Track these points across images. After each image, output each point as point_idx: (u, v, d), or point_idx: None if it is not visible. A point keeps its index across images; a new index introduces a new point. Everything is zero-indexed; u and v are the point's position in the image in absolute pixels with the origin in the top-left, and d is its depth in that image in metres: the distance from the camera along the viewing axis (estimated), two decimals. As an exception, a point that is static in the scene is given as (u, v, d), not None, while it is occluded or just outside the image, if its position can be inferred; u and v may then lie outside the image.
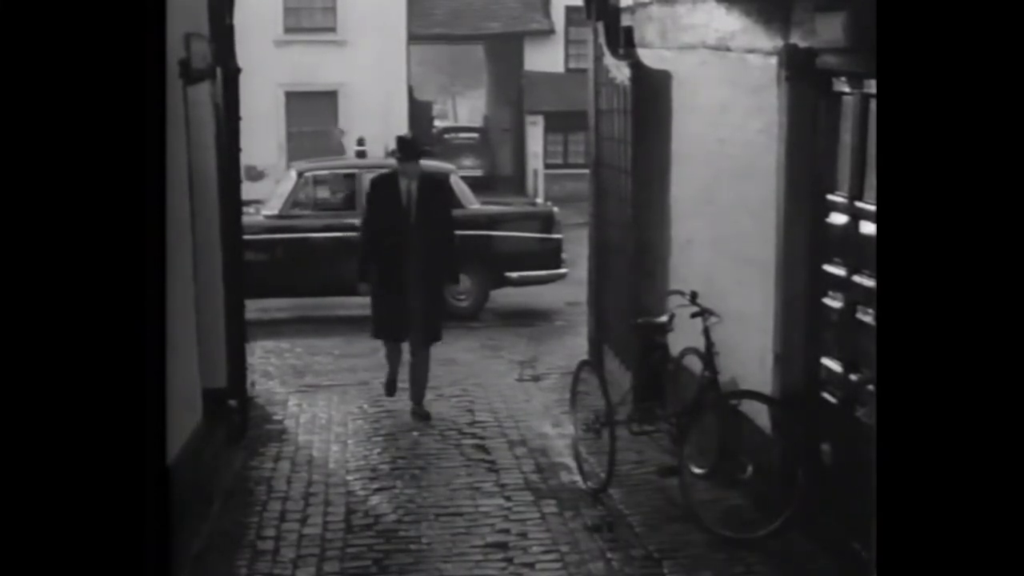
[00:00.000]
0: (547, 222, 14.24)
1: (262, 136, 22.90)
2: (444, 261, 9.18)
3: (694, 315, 7.33)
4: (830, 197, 6.41)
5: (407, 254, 8.96)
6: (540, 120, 29.41)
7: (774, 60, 6.70)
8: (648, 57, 9.12)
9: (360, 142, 16.18)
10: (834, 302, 6.36)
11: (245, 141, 8.90)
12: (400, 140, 9.47)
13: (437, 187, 9.46)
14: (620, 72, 9.20)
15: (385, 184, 9.24)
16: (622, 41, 9.53)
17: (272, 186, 16.25)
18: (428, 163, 11.23)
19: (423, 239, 8.97)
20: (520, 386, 10.37)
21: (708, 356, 7.26)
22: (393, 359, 9.45)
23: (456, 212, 10.33)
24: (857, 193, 6.09)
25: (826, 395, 6.47)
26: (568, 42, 29.75)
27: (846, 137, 6.24)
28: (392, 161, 18.69)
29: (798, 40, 6.46)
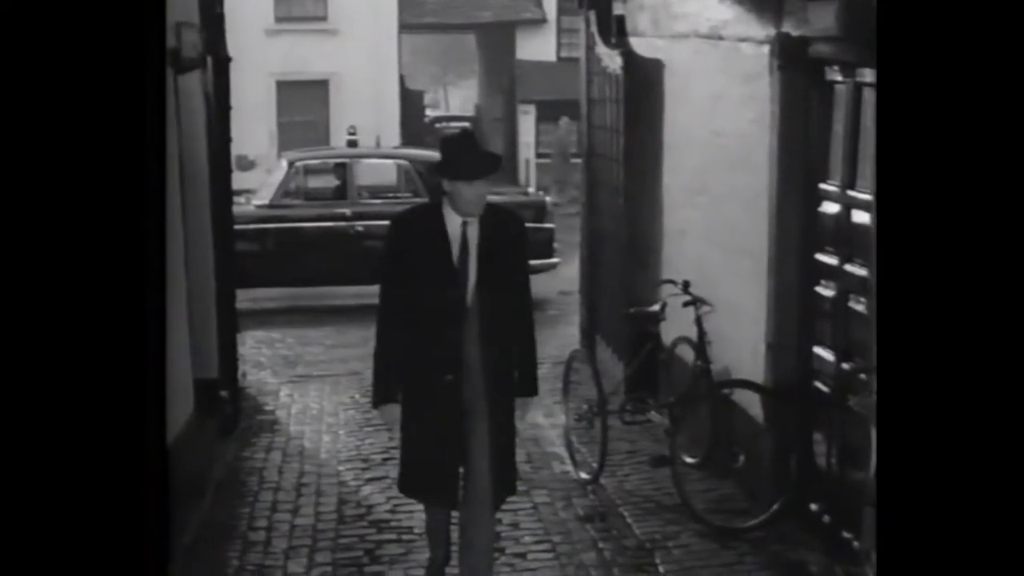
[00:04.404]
0: (539, 211, 14.22)
1: (253, 126, 22.85)
2: (519, 361, 5.52)
3: (686, 304, 7.33)
4: (822, 186, 6.40)
5: (460, 349, 5.31)
6: (532, 109, 29.35)
7: (766, 49, 6.69)
8: (640, 46, 9.10)
9: (351, 132, 16.13)
10: (826, 291, 6.36)
11: (236, 131, 8.87)
12: (450, 140, 5.48)
13: (511, 230, 5.50)
14: (612, 61, 9.18)
15: (419, 225, 5.38)
16: (614, 30, 9.50)
17: (263, 176, 16.22)
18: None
19: (487, 325, 5.33)
20: (512, 376, 10.35)
21: (700, 345, 7.26)
22: (439, 532, 5.75)
23: None
24: (849, 182, 6.08)
25: (818, 384, 6.47)
26: (560, 31, 29.70)
27: (838, 126, 6.23)
28: (390, 149, 18.49)
29: (790, 29, 6.45)
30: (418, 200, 13.31)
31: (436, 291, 5.26)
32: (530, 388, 5.58)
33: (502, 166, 5.54)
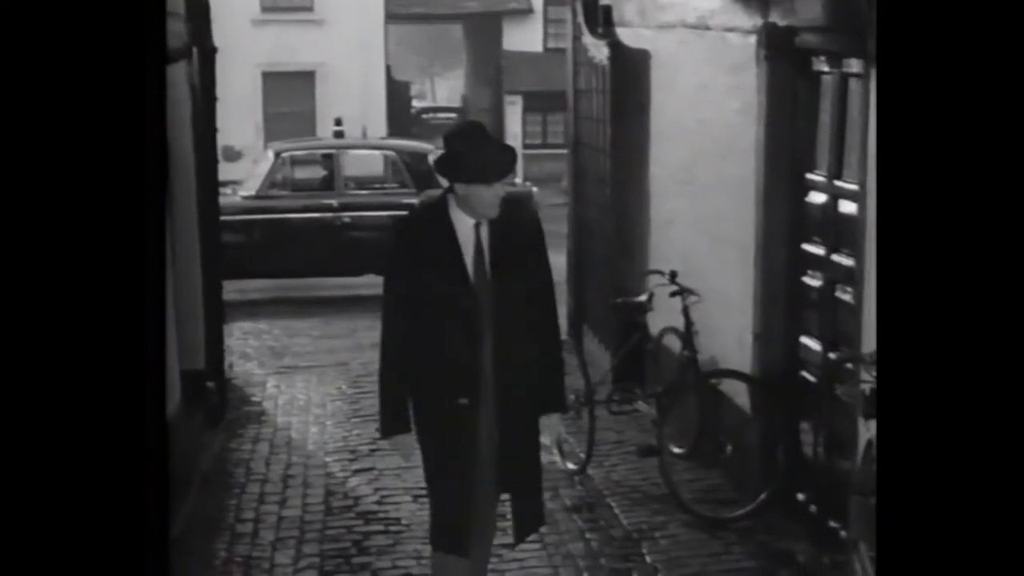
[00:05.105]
0: (526, 203, 14.22)
1: (239, 116, 22.79)
2: (544, 373, 4.91)
3: (673, 294, 7.33)
4: (809, 176, 6.41)
5: (477, 368, 4.68)
6: (519, 100, 29.37)
7: (753, 39, 6.68)
8: (627, 36, 9.09)
9: (337, 122, 16.11)
10: (813, 281, 6.37)
11: (222, 121, 8.85)
12: (457, 136, 4.71)
13: (526, 227, 4.84)
14: (599, 51, 9.18)
15: (425, 230, 4.73)
16: (601, 20, 9.50)
17: (249, 167, 16.18)
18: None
19: (505, 339, 4.69)
20: (499, 366, 10.34)
21: (687, 335, 7.27)
22: None
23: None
24: (836, 172, 6.09)
25: (805, 374, 6.48)
26: (547, 21, 29.72)
27: (825, 116, 6.24)
28: (376, 140, 18.46)
29: (777, 19, 6.45)
30: (405, 191, 13.33)
31: (449, 304, 4.62)
32: (556, 403, 4.97)
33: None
